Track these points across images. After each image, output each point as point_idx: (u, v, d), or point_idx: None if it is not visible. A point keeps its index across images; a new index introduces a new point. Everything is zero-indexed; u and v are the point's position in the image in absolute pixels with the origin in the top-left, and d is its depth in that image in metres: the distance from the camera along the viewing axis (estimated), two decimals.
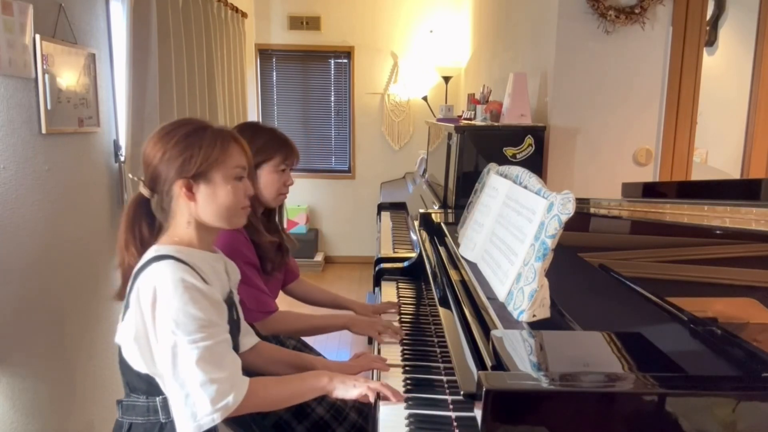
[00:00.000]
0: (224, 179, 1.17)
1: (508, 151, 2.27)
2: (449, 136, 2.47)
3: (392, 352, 1.47)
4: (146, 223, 1.20)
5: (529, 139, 2.26)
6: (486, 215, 1.52)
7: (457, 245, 1.66)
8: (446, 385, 1.29)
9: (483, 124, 2.46)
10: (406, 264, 2.14)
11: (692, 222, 1.18)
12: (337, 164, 5.44)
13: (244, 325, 1.36)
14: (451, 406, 1.20)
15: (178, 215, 1.17)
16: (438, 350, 1.50)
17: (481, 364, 0.97)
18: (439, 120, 3.03)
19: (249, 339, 1.37)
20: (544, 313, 1.11)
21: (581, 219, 1.56)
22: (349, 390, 1.20)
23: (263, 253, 1.62)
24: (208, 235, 1.22)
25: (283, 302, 1.69)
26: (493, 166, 1.73)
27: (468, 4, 4.75)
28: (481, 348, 1.01)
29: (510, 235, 1.27)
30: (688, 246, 1.28)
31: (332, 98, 5.33)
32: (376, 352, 1.50)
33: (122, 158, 2.42)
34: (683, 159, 2.32)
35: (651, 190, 1.69)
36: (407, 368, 1.38)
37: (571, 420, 0.79)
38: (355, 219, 5.42)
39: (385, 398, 1.19)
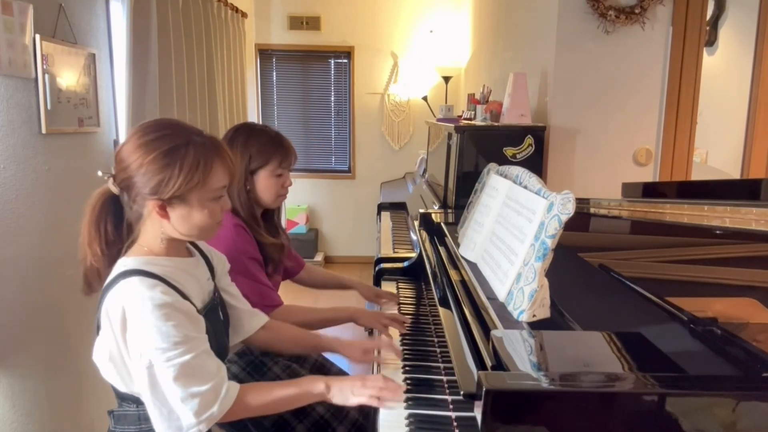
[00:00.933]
0: (201, 202, 1.10)
1: (508, 151, 2.27)
2: (449, 136, 2.47)
3: (392, 352, 1.47)
4: (111, 222, 1.12)
5: (529, 139, 2.26)
6: (486, 215, 1.52)
7: (457, 245, 1.66)
8: (446, 385, 1.29)
9: (483, 124, 2.46)
10: (406, 264, 2.14)
11: (692, 222, 1.18)
12: (337, 164, 5.44)
13: (248, 310, 1.36)
14: (451, 406, 1.20)
15: (148, 225, 1.11)
16: (438, 350, 1.50)
17: (481, 364, 0.97)
18: (439, 120, 3.03)
19: (257, 320, 1.37)
20: (544, 313, 1.11)
21: (581, 219, 1.56)
22: (348, 399, 1.17)
23: (266, 254, 1.62)
24: (181, 243, 1.18)
25: (287, 295, 1.69)
26: (493, 166, 1.73)
27: (468, 4, 4.75)
28: (481, 348, 1.01)
29: (510, 235, 1.27)
30: (688, 246, 1.28)
31: (332, 98, 5.33)
32: (376, 352, 1.50)
33: None
34: (683, 159, 2.31)
35: (651, 190, 1.69)
36: (407, 368, 1.38)
37: (571, 420, 0.79)
38: (355, 219, 5.42)
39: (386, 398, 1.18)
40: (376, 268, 2.14)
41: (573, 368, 0.87)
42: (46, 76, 1.91)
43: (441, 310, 1.40)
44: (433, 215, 2.13)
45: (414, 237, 2.40)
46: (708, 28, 3.02)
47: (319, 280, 1.99)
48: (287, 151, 1.62)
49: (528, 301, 1.09)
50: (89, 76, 2.20)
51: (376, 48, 5.18)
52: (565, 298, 1.18)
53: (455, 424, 1.13)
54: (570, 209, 1.06)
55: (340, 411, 1.59)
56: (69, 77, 2.05)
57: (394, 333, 1.59)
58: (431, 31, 5.05)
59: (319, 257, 5.30)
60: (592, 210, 1.59)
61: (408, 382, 1.31)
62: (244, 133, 1.60)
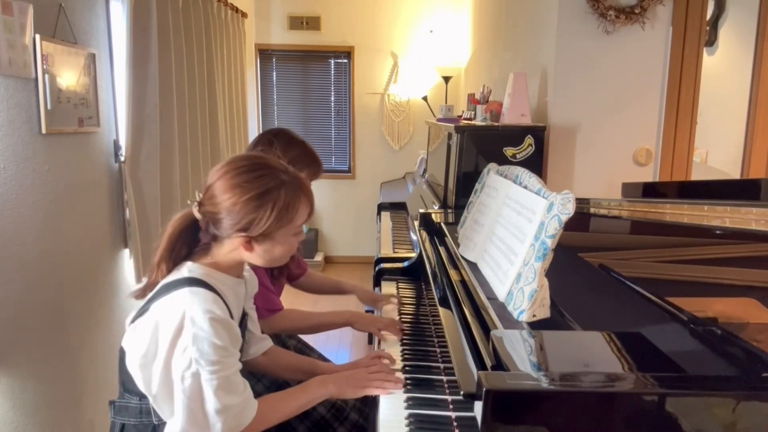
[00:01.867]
0: (284, 237, 1.16)
1: (508, 151, 2.27)
2: (449, 136, 2.47)
3: (392, 352, 1.47)
4: (186, 245, 1.18)
5: (529, 139, 2.26)
6: (486, 215, 1.52)
7: (457, 245, 1.66)
8: (446, 385, 1.29)
9: (483, 124, 2.46)
10: (406, 264, 2.14)
11: (692, 222, 1.18)
12: (337, 164, 5.44)
13: (257, 336, 1.39)
14: (451, 406, 1.20)
15: (225, 248, 1.16)
16: (438, 350, 1.50)
17: (481, 364, 0.97)
18: (439, 120, 3.03)
19: (262, 345, 1.40)
20: (544, 313, 1.11)
21: (581, 219, 1.56)
22: (357, 392, 1.25)
23: None
24: (243, 265, 1.24)
25: (286, 298, 1.69)
26: (493, 166, 1.73)
27: (468, 4, 4.75)
28: (481, 348, 1.01)
29: (510, 235, 1.27)
30: (688, 246, 1.28)
31: (332, 98, 5.33)
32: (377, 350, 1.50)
33: (122, 158, 2.43)
34: (683, 159, 2.32)
35: (651, 190, 1.69)
36: (407, 368, 1.38)
37: (571, 420, 0.79)
38: (355, 219, 5.42)
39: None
40: (376, 268, 2.14)
41: (573, 368, 0.87)
42: (46, 76, 1.91)
43: (441, 310, 1.40)
44: (433, 215, 2.13)
45: (414, 237, 2.40)
46: (708, 28, 3.02)
47: (318, 285, 2.00)
48: (319, 167, 1.70)
49: (528, 301, 1.09)
50: (89, 76, 2.20)
51: (376, 48, 5.18)
52: (565, 298, 1.18)
53: (455, 424, 1.13)
54: (570, 209, 1.06)
55: (340, 412, 1.59)
56: (69, 77, 2.05)
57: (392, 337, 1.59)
58: (431, 31, 5.05)
59: (319, 257, 5.30)
60: (592, 210, 1.59)
61: (408, 381, 1.31)
62: (285, 137, 1.67)
